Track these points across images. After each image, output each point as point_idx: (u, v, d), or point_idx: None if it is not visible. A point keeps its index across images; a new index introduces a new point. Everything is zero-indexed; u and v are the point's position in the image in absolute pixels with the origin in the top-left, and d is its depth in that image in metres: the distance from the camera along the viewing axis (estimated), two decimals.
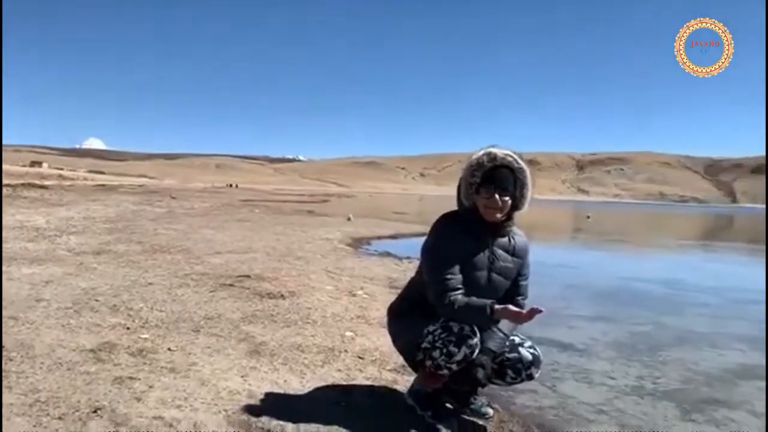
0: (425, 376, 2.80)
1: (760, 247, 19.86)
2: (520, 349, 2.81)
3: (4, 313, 4.08)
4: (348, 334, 4.41)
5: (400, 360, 3.22)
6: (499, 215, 2.67)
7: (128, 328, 4.08)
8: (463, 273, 2.66)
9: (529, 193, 2.71)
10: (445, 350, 2.59)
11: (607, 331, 5.46)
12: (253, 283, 6.06)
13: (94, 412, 2.63)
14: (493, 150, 2.67)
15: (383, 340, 3.87)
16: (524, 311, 2.53)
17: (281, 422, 2.68)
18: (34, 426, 2.46)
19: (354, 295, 6.00)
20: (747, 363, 4.64)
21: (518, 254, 2.79)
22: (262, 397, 3.01)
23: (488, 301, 2.58)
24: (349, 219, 19.42)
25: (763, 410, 3.54)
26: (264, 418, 2.71)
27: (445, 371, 2.66)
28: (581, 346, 4.87)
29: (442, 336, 2.60)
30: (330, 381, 3.36)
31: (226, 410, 2.79)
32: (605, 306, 6.95)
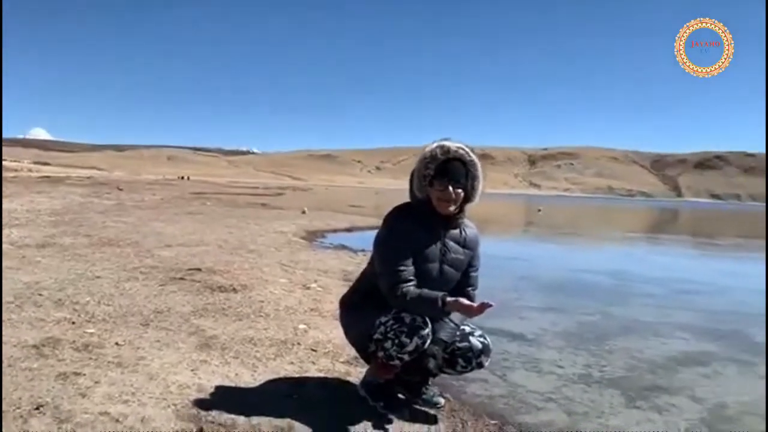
0: (377, 367, 2.82)
1: (704, 240, 20.69)
2: (471, 338, 2.85)
3: None
4: (301, 326, 4.39)
5: (353, 352, 3.22)
6: (452, 207, 2.70)
7: (73, 323, 3.96)
8: (416, 265, 2.68)
9: (481, 186, 2.75)
10: (397, 341, 2.62)
11: (556, 322, 5.59)
12: (204, 276, 5.96)
13: (37, 409, 2.55)
14: (446, 143, 2.70)
15: (336, 333, 3.86)
16: (475, 305, 2.57)
17: (232, 416, 2.65)
18: None
19: (308, 288, 5.97)
20: (689, 351, 4.84)
21: (469, 246, 2.83)
22: (212, 390, 2.97)
23: (440, 294, 2.61)
24: (304, 212, 19.26)
25: (703, 396, 3.71)
26: (214, 412, 2.68)
27: (397, 362, 2.69)
28: (531, 336, 4.98)
29: (394, 327, 2.62)
30: (282, 374, 3.34)
31: (175, 404, 2.74)
32: (555, 297, 7.11)
